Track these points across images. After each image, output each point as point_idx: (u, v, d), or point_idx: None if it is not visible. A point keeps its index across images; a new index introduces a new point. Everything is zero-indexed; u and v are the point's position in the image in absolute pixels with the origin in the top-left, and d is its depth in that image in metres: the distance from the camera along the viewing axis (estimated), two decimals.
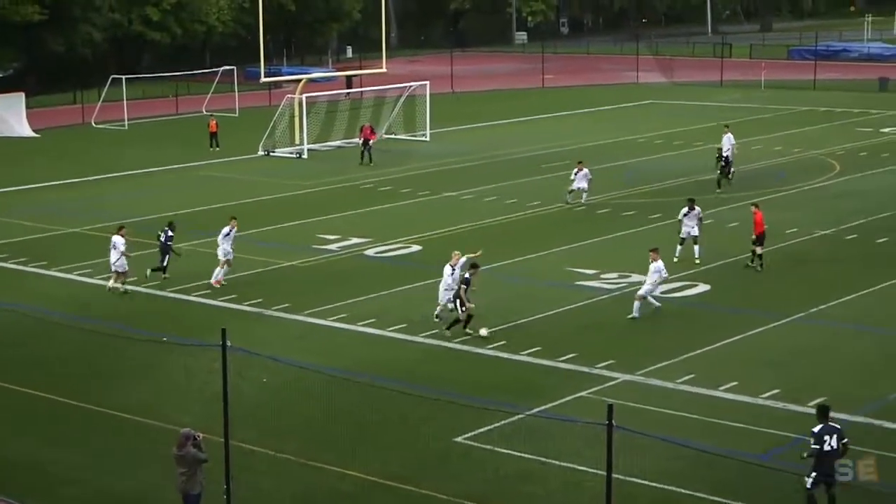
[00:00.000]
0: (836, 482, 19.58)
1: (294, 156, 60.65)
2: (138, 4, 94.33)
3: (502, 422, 24.25)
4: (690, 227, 37.25)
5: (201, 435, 19.40)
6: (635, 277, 35.25)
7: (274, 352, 25.85)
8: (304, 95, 62.39)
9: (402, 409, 24.73)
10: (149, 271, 35.90)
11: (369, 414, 24.83)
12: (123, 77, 74.55)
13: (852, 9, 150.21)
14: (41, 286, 36.23)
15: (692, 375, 27.21)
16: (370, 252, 39.55)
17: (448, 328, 30.17)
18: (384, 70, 70.24)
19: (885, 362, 28.34)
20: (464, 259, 30.99)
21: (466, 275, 30.20)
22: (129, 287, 34.90)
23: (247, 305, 33.29)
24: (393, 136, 65.15)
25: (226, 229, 35.51)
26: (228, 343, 18.84)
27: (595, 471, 19.93)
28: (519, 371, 27.96)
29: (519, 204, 46.79)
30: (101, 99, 75.34)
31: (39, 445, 24.01)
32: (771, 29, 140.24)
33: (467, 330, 30.03)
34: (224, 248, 35.26)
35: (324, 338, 30.71)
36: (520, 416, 24.61)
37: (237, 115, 75.58)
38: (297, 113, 62.45)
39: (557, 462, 22.32)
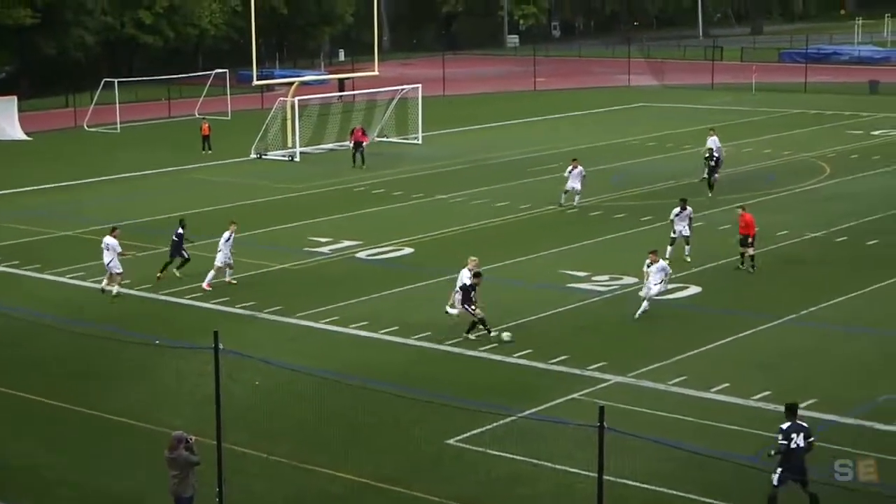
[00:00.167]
0: (808, 480, 19.72)
1: (286, 159, 60.64)
2: (131, 7, 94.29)
3: (494, 424, 24.24)
4: (682, 228, 37.35)
5: (193, 438, 19.38)
6: (627, 279, 35.33)
7: (266, 354, 25.82)
8: (296, 98, 62.40)
9: (395, 411, 24.74)
10: (177, 272, 36.09)
11: (361, 416, 24.83)
12: (116, 80, 74.44)
13: (843, 12, 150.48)
14: (34, 289, 36.19)
15: (684, 377, 27.24)
16: (362, 255, 39.55)
17: (468, 332, 30.14)
18: (376, 73, 70.24)
19: (875, 364, 28.38)
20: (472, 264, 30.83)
21: (468, 282, 30.12)
22: (122, 290, 34.87)
23: (239, 308, 33.28)
24: (385, 139, 65.17)
25: (226, 234, 35.49)
26: (221, 346, 18.84)
27: (587, 472, 19.95)
28: (511, 373, 27.97)
29: (511, 206, 46.81)
30: (94, 102, 75.23)
31: (34, 447, 23.99)
32: (762, 32, 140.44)
33: (469, 335, 30.01)
34: (224, 252, 35.27)
35: (316, 340, 30.71)
36: (512, 418, 24.61)
37: (229, 118, 75.54)
38: (289, 116, 62.45)
39: (549, 464, 22.34)
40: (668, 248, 37.01)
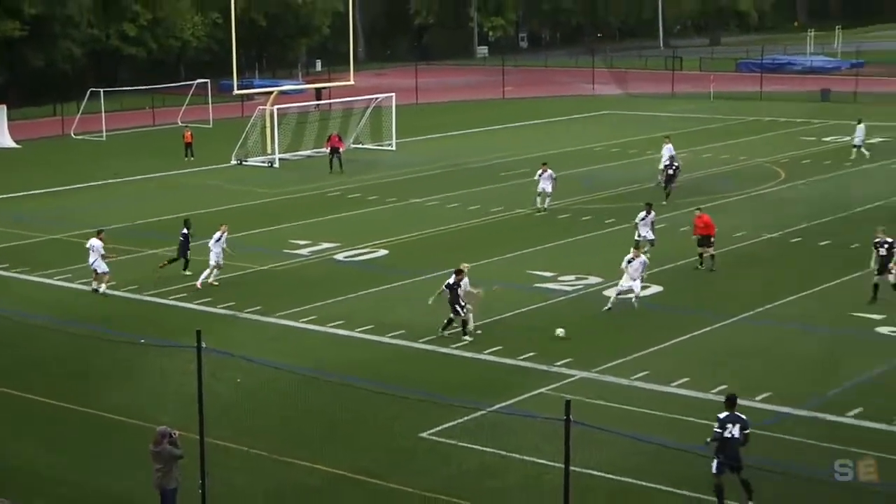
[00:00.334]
0: (742, 467, 19.90)
1: (266, 165, 60.51)
2: (116, 20, 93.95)
3: (465, 418, 24.28)
4: (646, 232, 37.53)
5: (177, 432, 19.38)
6: (592, 279, 35.44)
7: (248, 353, 25.76)
8: (275, 107, 62.30)
9: (371, 406, 24.74)
10: (184, 271, 36.31)
11: (339, 412, 24.83)
12: (102, 90, 74.15)
13: (796, 24, 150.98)
14: (23, 290, 36.04)
15: (646, 372, 27.32)
16: (339, 256, 39.52)
17: (463, 333, 29.96)
18: (352, 83, 70.23)
19: (827, 359, 28.51)
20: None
21: (450, 281, 30.00)
22: (108, 291, 34.79)
23: (221, 308, 33.20)
24: (360, 146, 65.09)
25: (217, 235, 35.59)
26: (203, 344, 18.81)
27: (554, 464, 19.99)
28: (481, 369, 28.00)
29: (481, 210, 46.86)
30: (81, 111, 74.93)
31: (28, 445, 23.90)
32: (719, 43, 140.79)
33: (443, 332, 29.99)
34: (215, 251, 35.32)
35: (295, 339, 30.66)
36: (482, 412, 24.63)
37: (211, 126, 75.35)
38: (268, 124, 62.33)
39: (518, 456, 22.38)
40: (633, 250, 37.16)
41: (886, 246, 32.68)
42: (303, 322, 31.83)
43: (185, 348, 20.02)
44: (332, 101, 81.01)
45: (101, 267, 34.75)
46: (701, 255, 36.77)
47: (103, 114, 72.34)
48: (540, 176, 45.96)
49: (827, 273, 36.02)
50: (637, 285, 32.13)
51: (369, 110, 68.44)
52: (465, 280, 30.01)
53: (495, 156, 61.42)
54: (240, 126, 65.92)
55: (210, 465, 19.44)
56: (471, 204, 48.08)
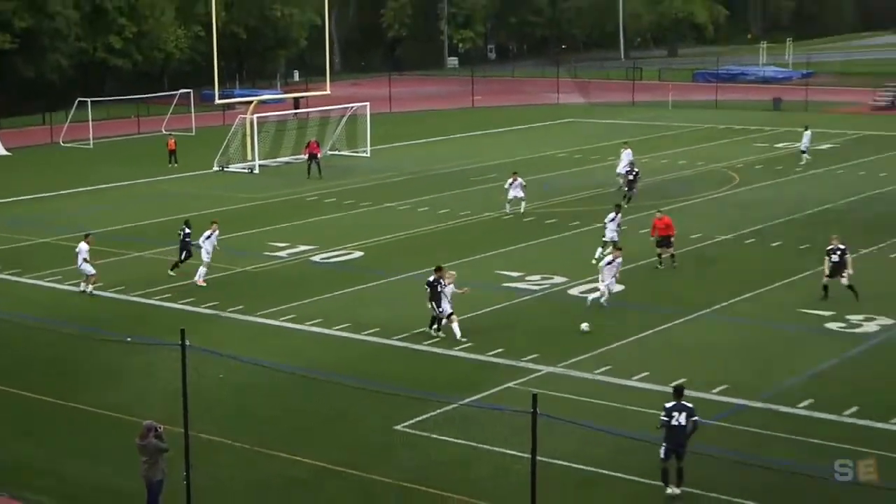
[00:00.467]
0: (684, 455, 20.07)
1: (246, 171, 60.37)
2: (102, 33, 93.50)
3: (437, 411, 24.33)
4: (612, 234, 37.73)
5: (163, 427, 19.35)
6: (557, 279, 35.53)
7: (230, 350, 25.75)
8: (255, 116, 62.14)
9: (348, 401, 24.76)
10: (170, 271, 36.50)
11: (318, 407, 24.83)
12: (89, 100, 73.82)
13: (749, 37, 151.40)
14: (15, 291, 35.86)
15: (608, 367, 27.42)
16: (316, 258, 39.47)
17: (438, 330, 29.84)
18: (328, 92, 70.11)
19: (780, 353, 28.69)
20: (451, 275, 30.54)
21: (430, 278, 29.89)
22: (96, 292, 34.67)
23: (204, 308, 33.12)
24: (336, 153, 65.02)
25: (207, 232, 35.64)
26: (187, 342, 18.77)
27: (522, 454, 20.01)
28: (452, 365, 28.02)
29: (451, 213, 46.89)
30: (69, 120, 74.54)
31: (19, 441, 23.82)
32: (677, 54, 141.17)
33: (432, 330, 29.86)
34: (206, 248, 35.38)
35: (276, 337, 30.61)
36: (453, 406, 24.68)
37: (194, 134, 75.08)
38: (248, 132, 62.19)
39: (488, 447, 22.41)
40: (599, 249, 37.38)
41: (839, 252, 32.87)
42: (282, 321, 31.78)
43: (170, 346, 19.97)
44: (309, 110, 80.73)
45: (88, 270, 34.66)
46: (660, 255, 36.94)
47: (90, 122, 72.05)
48: (510, 185, 46.05)
49: (779, 272, 36.21)
50: (613, 283, 32.23)
51: (345, 119, 68.38)
52: (452, 284, 29.89)
53: (465, 162, 61.47)
54: (221, 134, 65.73)
55: (195, 457, 19.40)
56: (441, 208, 48.11)
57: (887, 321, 30.92)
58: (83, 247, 34.81)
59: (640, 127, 75.93)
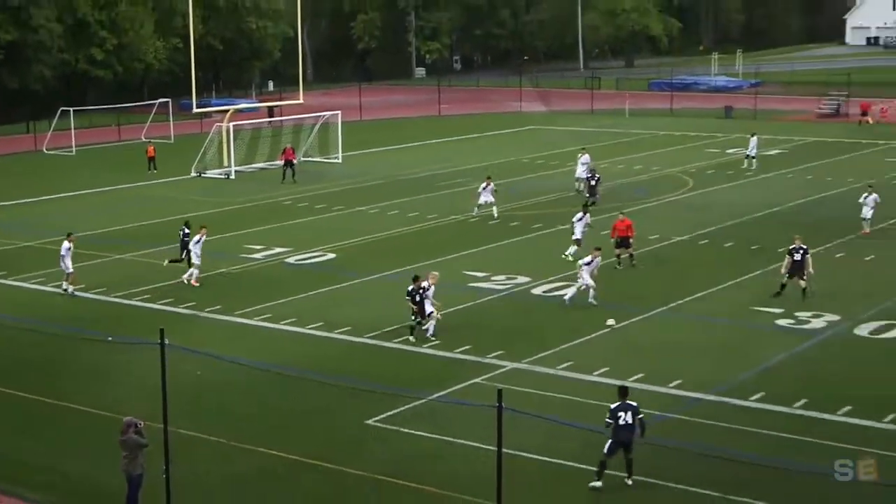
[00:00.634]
0: (632, 448, 20.11)
1: (223, 177, 60.07)
2: (84, 46, 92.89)
3: (407, 406, 24.25)
4: (578, 232, 37.84)
5: (142, 423, 19.20)
6: (521, 279, 35.51)
7: (208, 349, 25.58)
8: (231, 124, 61.89)
9: (321, 397, 24.66)
10: (166, 262, 36.72)
11: (293, 402, 24.72)
12: (71, 109, 73.31)
13: (701, 48, 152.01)
14: (0, 293, 35.51)
15: (570, 363, 27.41)
16: (291, 260, 39.30)
17: (422, 334, 29.49)
18: (301, 101, 69.88)
19: (732, 349, 28.76)
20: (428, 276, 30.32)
21: (410, 287, 29.51)
22: (76, 292, 34.40)
23: (183, 308, 32.90)
24: (309, 159, 64.78)
25: (197, 237, 35.43)
26: (167, 341, 18.62)
27: (488, 447, 19.98)
28: (421, 362, 27.94)
29: (420, 216, 46.79)
30: (52, 128, 73.96)
31: (6, 438, 23.59)
32: (633, 65, 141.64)
33: (411, 338, 29.45)
34: (195, 251, 35.36)
35: (252, 336, 30.42)
36: (422, 401, 24.61)
37: (172, 141, 74.63)
38: (225, 139, 61.91)
39: (455, 440, 22.39)
40: (573, 248, 37.52)
41: (801, 252, 32.94)
42: (258, 320, 31.60)
43: (150, 345, 19.79)
44: (283, 118, 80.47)
45: (67, 267, 34.38)
46: (619, 255, 36.99)
47: (73, 131, 71.55)
48: (483, 189, 45.97)
49: (732, 271, 36.33)
50: (590, 280, 32.30)
51: (317, 126, 68.16)
52: (432, 288, 29.74)
53: (432, 167, 61.39)
54: (199, 141, 65.40)
55: (174, 452, 19.24)
56: (410, 211, 48.01)
57: (834, 317, 31.07)
58: (65, 245, 34.58)
59: (598, 134, 76.10)
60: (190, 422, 22.93)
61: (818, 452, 21.71)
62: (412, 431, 23.04)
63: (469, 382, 26.09)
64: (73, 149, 70.88)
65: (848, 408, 24.14)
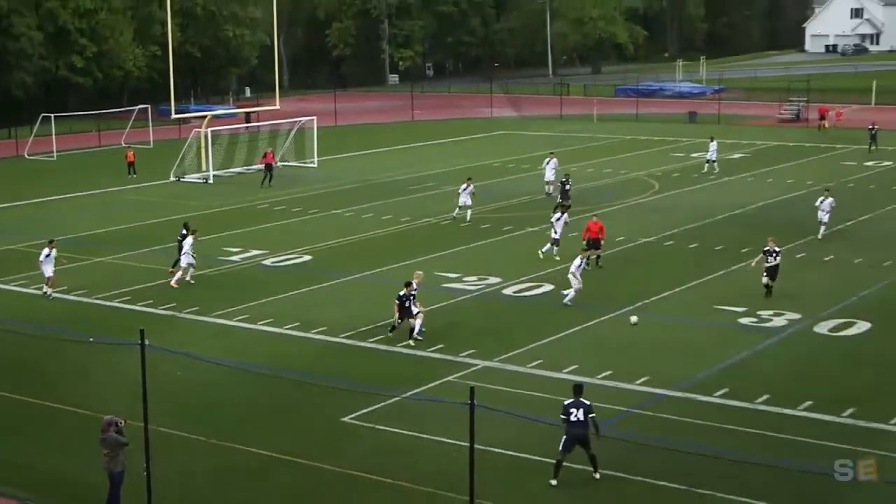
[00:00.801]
0: (589, 444, 20.16)
1: (201, 181, 59.88)
2: (65, 53, 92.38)
3: (381, 404, 24.24)
4: (559, 230, 38.01)
5: (123, 421, 19.14)
6: (492, 279, 35.55)
7: (187, 349, 25.50)
8: (209, 129, 61.69)
9: (298, 395, 24.63)
10: (172, 268, 36.27)
11: (270, 400, 24.69)
12: (52, 115, 72.85)
13: (666, 55, 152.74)
14: None
15: (540, 361, 27.46)
16: (268, 262, 39.21)
17: (414, 336, 29.28)
18: (278, 107, 69.83)
19: (696, 346, 28.87)
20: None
21: (401, 293, 29.33)
22: (54, 294, 34.22)
23: (162, 309, 32.77)
24: (285, 164, 64.65)
25: (189, 239, 35.36)
26: (147, 342, 18.56)
27: (460, 443, 20.00)
28: (395, 361, 27.94)
29: (393, 219, 46.78)
30: (33, 134, 73.54)
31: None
32: (601, 72, 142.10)
33: (418, 339, 29.26)
34: (188, 255, 35.37)
35: (230, 336, 30.33)
36: (397, 398, 24.61)
37: (151, 146, 74.34)
38: (203, 144, 61.71)
39: (429, 437, 22.40)
40: (555, 248, 37.60)
41: (775, 254, 33.16)
42: (236, 321, 31.52)
43: (130, 345, 19.72)
44: (260, 123, 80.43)
45: (47, 271, 34.23)
46: (588, 256, 37.02)
47: (54, 136, 71.16)
48: (463, 190, 45.89)
49: (696, 272, 36.50)
50: (576, 281, 32.48)
51: (293, 132, 68.05)
52: (419, 285, 29.71)
53: (405, 171, 61.38)
54: (177, 147, 65.16)
55: (154, 450, 19.18)
56: (384, 214, 47.99)
57: (794, 316, 31.26)
58: (45, 251, 34.44)
59: (567, 138, 76.23)
60: (170, 420, 22.87)
61: (781, 446, 21.88)
62: (387, 428, 23.05)
63: (442, 380, 26.11)
64: (55, 154, 70.50)
65: (808, 403, 24.31)
